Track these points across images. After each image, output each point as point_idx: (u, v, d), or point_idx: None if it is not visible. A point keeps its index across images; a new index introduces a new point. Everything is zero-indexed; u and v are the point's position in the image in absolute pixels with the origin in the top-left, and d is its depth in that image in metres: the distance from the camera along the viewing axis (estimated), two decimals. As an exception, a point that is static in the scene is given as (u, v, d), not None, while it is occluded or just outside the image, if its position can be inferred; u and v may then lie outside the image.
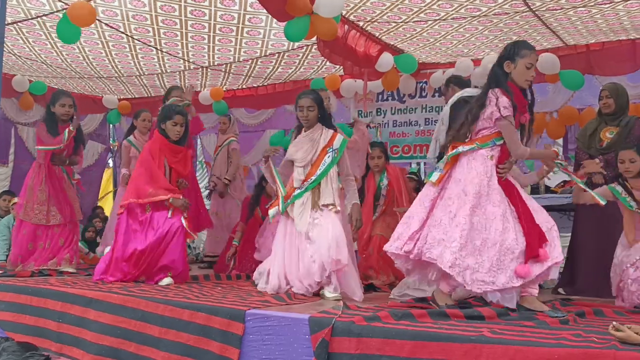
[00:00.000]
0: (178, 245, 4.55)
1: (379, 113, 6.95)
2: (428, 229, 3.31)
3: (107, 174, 9.75)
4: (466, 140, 3.44)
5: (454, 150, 3.42)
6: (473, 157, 3.38)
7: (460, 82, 4.99)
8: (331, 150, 4.13)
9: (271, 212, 4.24)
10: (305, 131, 4.22)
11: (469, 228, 3.21)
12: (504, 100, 3.30)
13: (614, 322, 2.57)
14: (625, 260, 3.75)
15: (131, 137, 6.06)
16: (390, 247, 3.40)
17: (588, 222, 4.54)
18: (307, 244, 3.96)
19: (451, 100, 4.74)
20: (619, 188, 3.87)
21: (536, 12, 4.72)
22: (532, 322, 2.94)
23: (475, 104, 3.45)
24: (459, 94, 4.77)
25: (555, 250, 3.26)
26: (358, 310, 3.30)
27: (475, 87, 4.83)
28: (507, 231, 3.21)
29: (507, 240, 3.21)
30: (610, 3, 4.49)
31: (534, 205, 3.41)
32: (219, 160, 6.73)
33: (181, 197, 4.68)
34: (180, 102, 5.30)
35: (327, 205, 4.04)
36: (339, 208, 4.04)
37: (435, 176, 3.42)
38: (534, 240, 3.21)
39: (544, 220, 3.34)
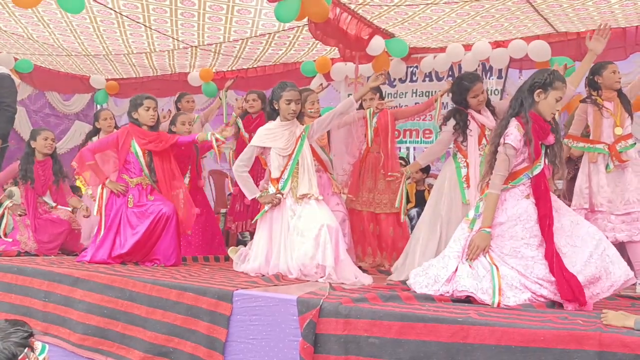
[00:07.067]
0: (168, 234, 4.49)
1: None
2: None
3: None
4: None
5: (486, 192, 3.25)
6: (505, 197, 3.22)
7: None
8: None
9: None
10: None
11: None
12: (515, 132, 3.17)
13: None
14: None
15: (95, 139, 5.82)
16: (427, 290, 3.20)
17: None
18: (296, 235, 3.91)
19: None
20: None
21: (528, -1, 4.72)
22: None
23: (497, 134, 3.25)
24: None
25: (612, 276, 3.02)
26: (344, 292, 3.31)
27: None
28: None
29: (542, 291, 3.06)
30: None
31: (580, 231, 3.15)
32: None
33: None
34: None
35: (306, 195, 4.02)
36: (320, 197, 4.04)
37: (471, 214, 3.31)
38: (564, 292, 3.00)
39: (587, 244, 3.09)
